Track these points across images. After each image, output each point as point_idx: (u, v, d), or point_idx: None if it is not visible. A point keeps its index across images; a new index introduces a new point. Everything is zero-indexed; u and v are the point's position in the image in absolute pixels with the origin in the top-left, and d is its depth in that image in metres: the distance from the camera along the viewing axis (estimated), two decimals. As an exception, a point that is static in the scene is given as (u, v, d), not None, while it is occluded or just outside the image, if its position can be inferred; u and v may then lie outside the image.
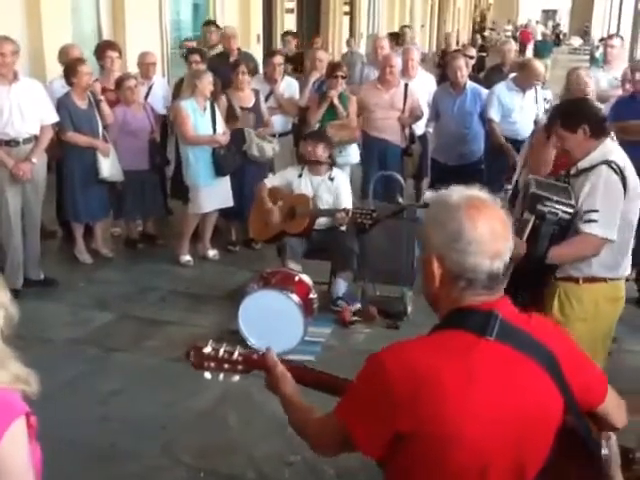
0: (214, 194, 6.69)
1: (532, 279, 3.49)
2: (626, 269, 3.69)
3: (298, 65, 9.38)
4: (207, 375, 2.12)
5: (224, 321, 5.49)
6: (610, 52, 8.26)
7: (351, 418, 1.72)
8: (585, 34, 37.07)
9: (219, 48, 8.84)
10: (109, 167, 6.53)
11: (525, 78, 7.11)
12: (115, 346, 5.22)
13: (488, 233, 1.70)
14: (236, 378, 2.13)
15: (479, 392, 1.63)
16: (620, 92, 6.87)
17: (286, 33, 10.74)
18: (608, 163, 3.39)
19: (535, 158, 4.08)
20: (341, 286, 5.80)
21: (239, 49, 9.10)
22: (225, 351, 2.11)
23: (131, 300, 6.05)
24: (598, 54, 20.71)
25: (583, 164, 3.46)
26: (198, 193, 6.67)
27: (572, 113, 3.59)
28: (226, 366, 2.11)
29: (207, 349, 2.11)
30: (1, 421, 1.52)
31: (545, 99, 7.10)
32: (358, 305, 5.73)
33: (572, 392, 1.75)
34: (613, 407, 1.92)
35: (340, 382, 2.06)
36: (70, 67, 6.43)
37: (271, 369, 2.07)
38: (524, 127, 6.82)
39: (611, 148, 3.52)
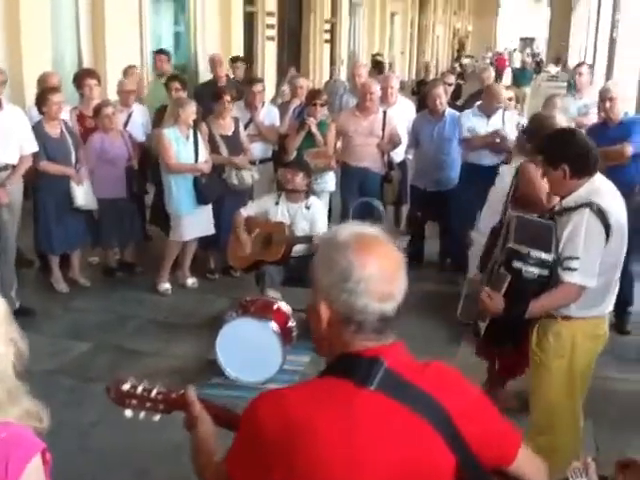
0: (196, 222, 6.67)
1: (514, 330, 3.47)
2: (608, 307, 3.59)
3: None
4: (128, 413, 2.05)
5: (202, 350, 5.44)
6: (579, 80, 8.36)
7: (231, 466, 1.69)
8: (559, 61, 37.55)
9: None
10: (83, 195, 6.50)
11: (487, 103, 7.18)
12: (92, 377, 5.13)
13: (378, 273, 1.60)
14: (157, 417, 2.07)
15: (357, 444, 1.56)
16: (593, 119, 6.96)
17: (235, 58, 10.46)
18: (592, 206, 3.27)
19: (534, 192, 4.04)
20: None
21: (227, 76, 9.15)
22: (144, 389, 2.05)
23: (108, 329, 5.99)
24: (573, 81, 21.01)
25: (568, 202, 3.38)
26: (180, 221, 6.64)
27: (555, 149, 3.47)
28: (147, 404, 2.05)
29: (126, 386, 2.05)
30: (22, 455, 1.53)
31: (519, 123, 7.15)
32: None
33: (469, 449, 1.64)
34: (529, 469, 1.80)
35: None
36: (41, 96, 6.42)
37: (189, 409, 2.00)
38: (489, 152, 6.94)
39: (598, 187, 3.39)
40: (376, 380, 1.59)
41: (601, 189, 3.39)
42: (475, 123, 7.09)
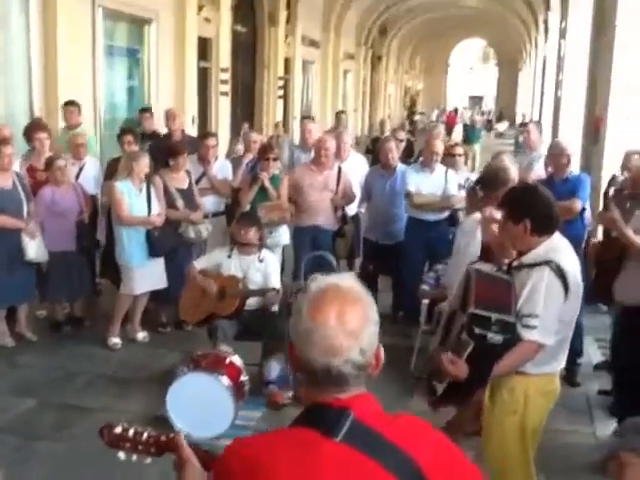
0: (147, 275, 6.62)
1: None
2: (560, 364, 3.61)
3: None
4: (121, 455, 2.07)
5: (152, 406, 5.33)
6: (527, 137, 8.62)
7: None
8: (500, 119, 38.51)
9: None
10: (35, 249, 6.41)
11: (427, 157, 7.35)
12: (38, 435, 5.01)
13: (325, 327, 1.59)
14: (148, 460, 2.09)
15: None
16: (540, 173, 7.16)
17: (143, 109, 10.09)
18: (551, 265, 3.28)
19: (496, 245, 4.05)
20: (273, 369, 5.72)
21: (183, 130, 9.17)
22: (135, 432, 2.08)
23: (55, 385, 5.85)
24: (522, 138, 21.51)
25: (527, 259, 3.38)
26: (131, 274, 6.59)
27: (518, 203, 3.48)
28: (140, 447, 2.08)
29: (118, 429, 2.08)
30: None
31: (468, 179, 7.31)
32: (290, 393, 5.64)
33: None
34: None
35: None
36: None
37: (178, 452, 2.00)
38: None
39: (557, 245, 3.42)
40: (342, 432, 1.58)
41: (560, 247, 3.41)
42: (418, 178, 7.22)
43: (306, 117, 14.24)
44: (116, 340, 6.69)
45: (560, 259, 3.32)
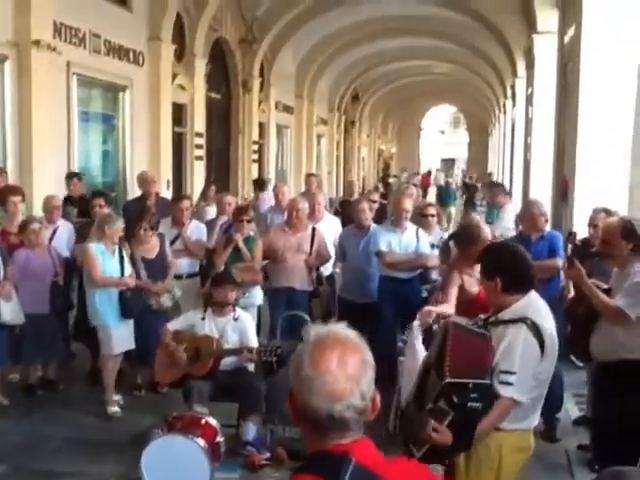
0: (120, 336, 6.56)
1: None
2: (534, 421, 3.62)
3: (84, 208, 8.44)
4: None
5: (126, 470, 5.23)
6: (497, 199, 8.80)
7: None
8: (468, 184, 39.00)
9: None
10: (10, 311, 6.35)
11: (396, 215, 7.43)
12: (7, 502, 4.89)
13: (327, 373, 1.63)
14: None
15: None
16: (507, 226, 7.31)
17: (71, 175, 9.96)
18: (528, 322, 3.32)
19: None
20: (250, 430, 5.66)
21: (157, 194, 9.24)
22: None
23: (27, 450, 5.74)
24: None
25: (503, 315, 3.42)
26: (109, 332, 6.51)
27: (489, 260, 3.59)
28: None
29: None
30: None
31: (441, 238, 7.39)
32: (267, 454, 5.57)
33: None
34: None
35: None
36: None
37: None
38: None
39: (534, 303, 3.46)
40: (347, 476, 1.61)
41: (537, 306, 3.45)
42: (389, 237, 7.28)
43: (311, 174, 14.42)
44: (115, 409, 6.55)
45: (537, 317, 3.36)
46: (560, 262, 6.30)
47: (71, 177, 9.68)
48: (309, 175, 14.03)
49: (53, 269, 6.83)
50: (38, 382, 6.99)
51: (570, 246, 6.50)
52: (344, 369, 1.65)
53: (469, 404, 3.12)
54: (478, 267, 4.47)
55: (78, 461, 5.55)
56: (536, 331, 3.31)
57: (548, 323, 3.41)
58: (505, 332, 3.34)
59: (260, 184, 14.67)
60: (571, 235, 6.83)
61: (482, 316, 3.58)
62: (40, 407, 6.62)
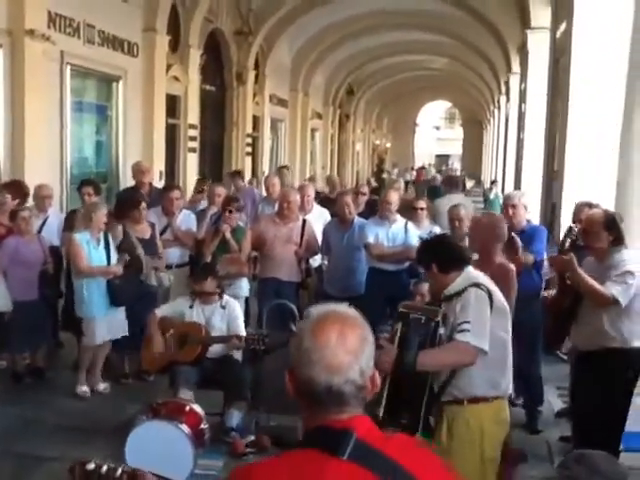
0: (108, 325, 6.62)
1: (411, 397, 3.57)
2: (507, 388, 3.82)
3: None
4: None
5: (111, 455, 5.25)
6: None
7: None
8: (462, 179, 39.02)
9: None
10: None
11: (382, 207, 7.48)
12: (-7, 485, 4.94)
13: (327, 346, 1.66)
14: None
15: None
16: None
17: (86, 182, 8.52)
18: (477, 285, 3.66)
19: None
20: (234, 417, 5.72)
21: (151, 183, 9.26)
22: (109, 468, 2.07)
23: (13, 436, 5.77)
24: (492, 195, 21.87)
25: (449, 291, 3.74)
26: (91, 325, 6.58)
27: (422, 253, 4.05)
28: None
29: (91, 465, 2.07)
30: None
31: (430, 232, 7.42)
32: (252, 437, 5.63)
33: None
34: None
35: None
36: None
37: None
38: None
39: (476, 275, 3.80)
40: (348, 450, 1.63)
41: (476, 275, 3.81)
42: (377, 230, 7.33)
43: (284, 167, 14.28)
44: (84, 388, 6.66)
45: (483, 282, 3.72)
46: (530, 259, 6.15)
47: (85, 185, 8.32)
48: (281, 168, 13.91)
49: (43, 257, 6.87)
50: (26, 370, 7.02)
51: (569, 241, 6.50)
52: (343, 343, 1.68)
53: (413, 317, 3.57)
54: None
55: (64, 446, 5.57)
56: (485, 289, 3.65)
57: (493, 287, 3.74)
58: (458, 299, 3.64)
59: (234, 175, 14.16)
60: (570, 231, 6.84)
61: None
62: (28, 393, 6.65)
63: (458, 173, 42.72)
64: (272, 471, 1.67)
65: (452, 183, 10.35)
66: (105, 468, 2.06)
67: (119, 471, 2.06)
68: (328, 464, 1.62)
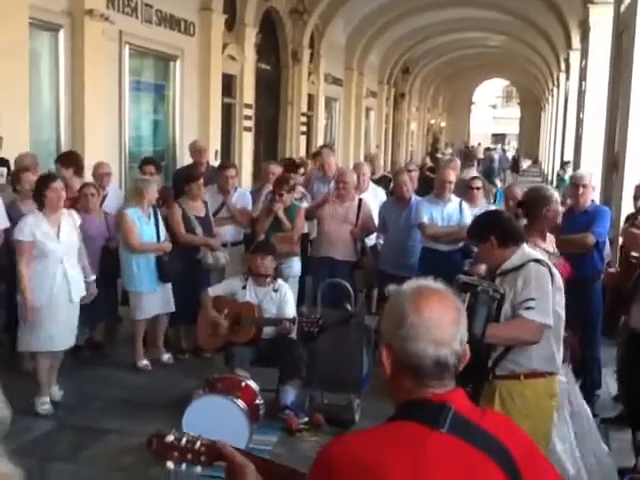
0: (156, 300, 6.76)
1: (473, 371, 3.54)
2: (559, 365, 3.84)
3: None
4: (170, 465, 2.02)
5: (169, 428, 5.34)
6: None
7: None
8: (517, 159, 38.23)
9: None
10: None
11: (439, 186, 7.36)
12: (54, 456, 5.07)
13: (431, 319, 1.70)
14: (198, 469, 2.02)
15: None
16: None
17: (147, 161, 8.57)
18: (535, 260, 3.66)
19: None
20: (289, 394, 5.76)
21: (208, 162, 9.36)
22: (187, 440, 2.03)
23: (73, 408, 5.94)
24: (567, 176, 21.42)
25: (506, 266, 3.71)
26: (140, 299, 6.74)
27: (480, 226, 4.01)
28: (189, 456, 2.02)
29: (169, 437, 2.03)
30: None
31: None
32: (305, 418, 5.67)
33: None
34: None
35: (297, 476, 2.04)
36: (14, 175, 6.56)
37: (233, 459, 1.96)
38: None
39: (529, 250, 3.81)
40: (447, 423, 1.65)
41: (533, 251, 3.85)
42: (432, 209, 7.24)
43: (325, 146, 14.18)
44: (145, 362, 6.83)
45: (541, 257, 3.76)
46: (591, 239, 6.02)
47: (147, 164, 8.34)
48: (323, 146, 13.75)
49: (107, 233, 7.00)
50: (85, 343, 7.17)
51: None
52: (446, 316, 1.72)
53: (481, 289, 3.51)
54: (549, 238, 4.85)
55: (122, 419, 5.71)
56: (545, 264, 3.67)
57: (553, 268, 3.75)
58: (517, 275, 3.62)
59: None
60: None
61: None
62: (87, 367, 6.81)
63: (514, 152, 42.17)
64: (372, 442, 1.68)
65: (467, 157, 10.24)
66: (184, 440, 2.02)
67: (198, 443, 2.01)
68: (430, 437, 1.64)
